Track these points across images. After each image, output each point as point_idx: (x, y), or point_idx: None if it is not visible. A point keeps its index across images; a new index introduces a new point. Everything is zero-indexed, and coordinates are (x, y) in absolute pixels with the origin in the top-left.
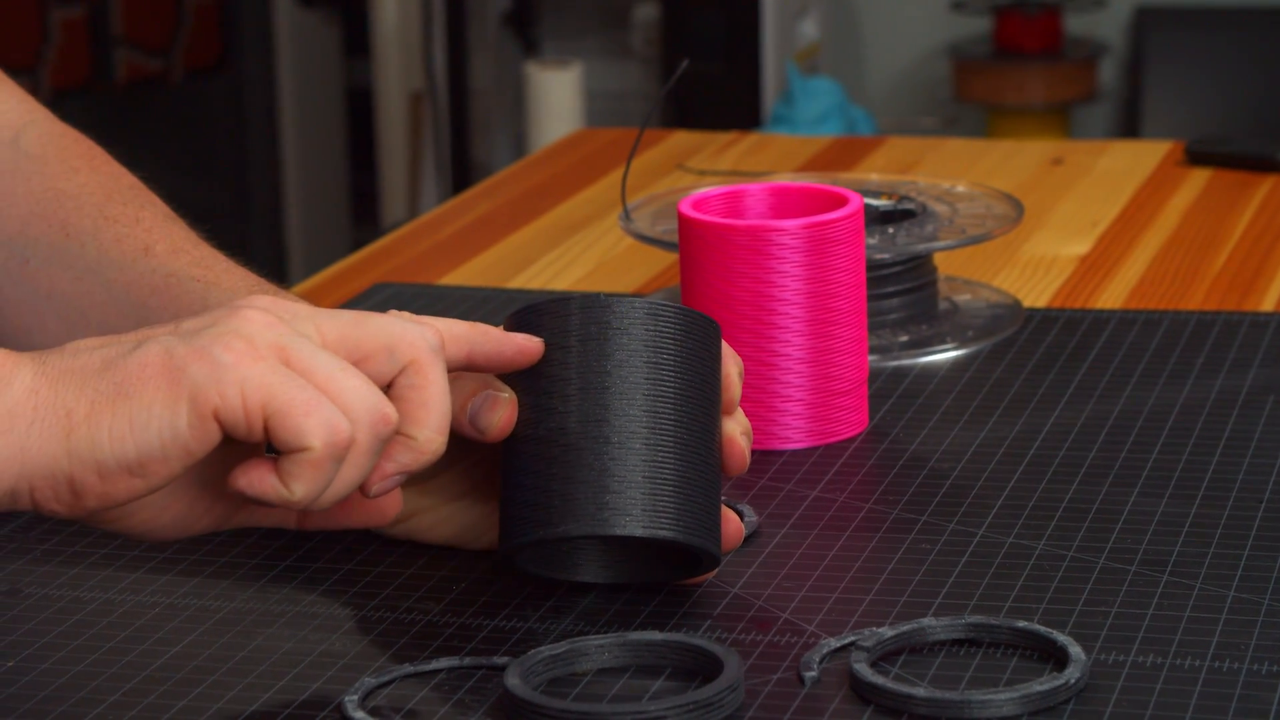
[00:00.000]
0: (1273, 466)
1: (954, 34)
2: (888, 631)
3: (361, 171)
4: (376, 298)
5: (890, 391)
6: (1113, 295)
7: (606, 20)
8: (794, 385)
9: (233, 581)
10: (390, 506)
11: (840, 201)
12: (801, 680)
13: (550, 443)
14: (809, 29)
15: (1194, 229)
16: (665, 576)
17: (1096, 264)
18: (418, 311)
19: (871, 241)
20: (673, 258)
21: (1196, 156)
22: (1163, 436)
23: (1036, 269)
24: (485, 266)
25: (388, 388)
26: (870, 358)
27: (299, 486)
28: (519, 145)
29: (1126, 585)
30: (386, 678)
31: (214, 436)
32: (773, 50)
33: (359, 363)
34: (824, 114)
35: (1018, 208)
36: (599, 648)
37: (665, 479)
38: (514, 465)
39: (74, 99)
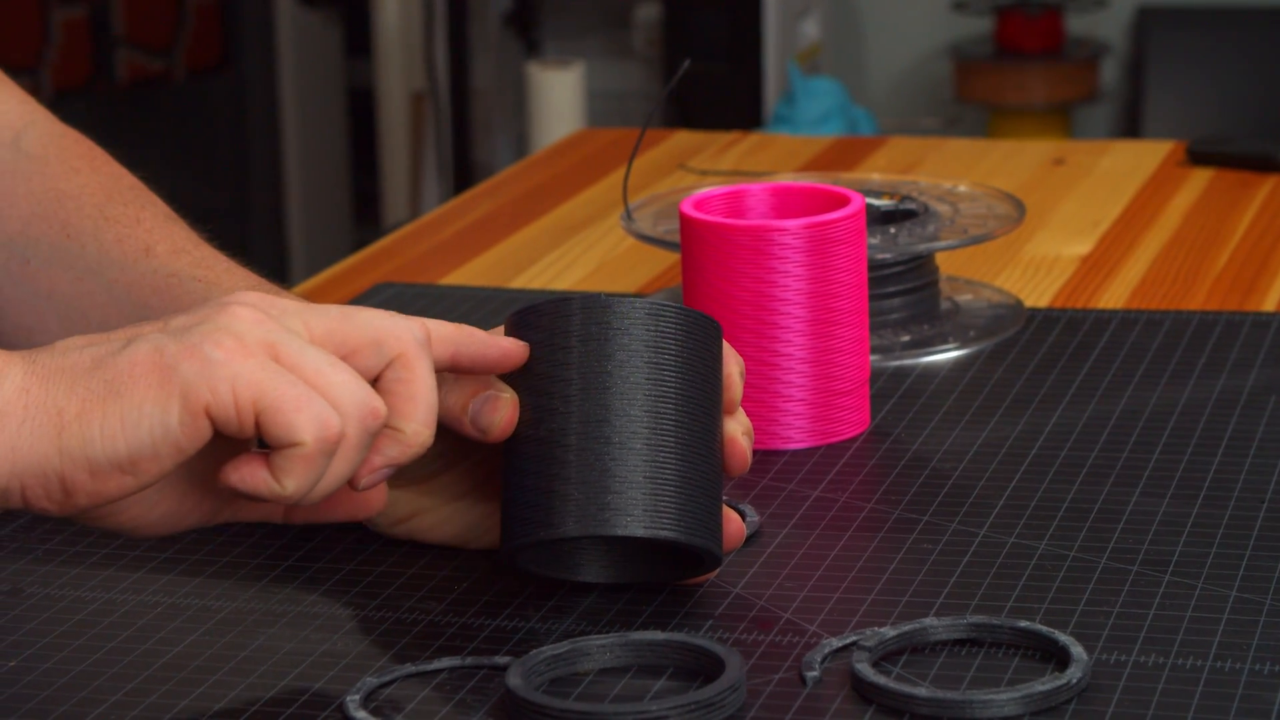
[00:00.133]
0: (1274, 466)
1: (955, 34)
2: (889, 631)
3: (363, 172)
4: (378, 298)
5: (892, 391)
6: (1114, 295)
7: (608, 20)
8: (796, 385)
9: (234, 581)
10: (376, 499)
11: (842, 201)
12: (803, 680)
13: (551, 443)
14: (810, 29)
15: (1195, 229)
16: (667, 576)
17: (1098, 264)
18: (418, 312)
19: (873, 241)
20: (674, 258)
21: (1198, 156)
22: (1164, 436)
23: (1038, 269)
24: (487, 267)
25: (375, 382)
26: (872, 358)
27: (290, 481)
28: (520, 145)
29: (1128, 585)
30: (388, 677)
31: (205, 433)
32: (774, 50)
33: (346, 357)
34: (825, 114)
35: (1019, 208)
36: (601, 648)
37: (666, 479)
38: (515, 465)
39: (75, 99)
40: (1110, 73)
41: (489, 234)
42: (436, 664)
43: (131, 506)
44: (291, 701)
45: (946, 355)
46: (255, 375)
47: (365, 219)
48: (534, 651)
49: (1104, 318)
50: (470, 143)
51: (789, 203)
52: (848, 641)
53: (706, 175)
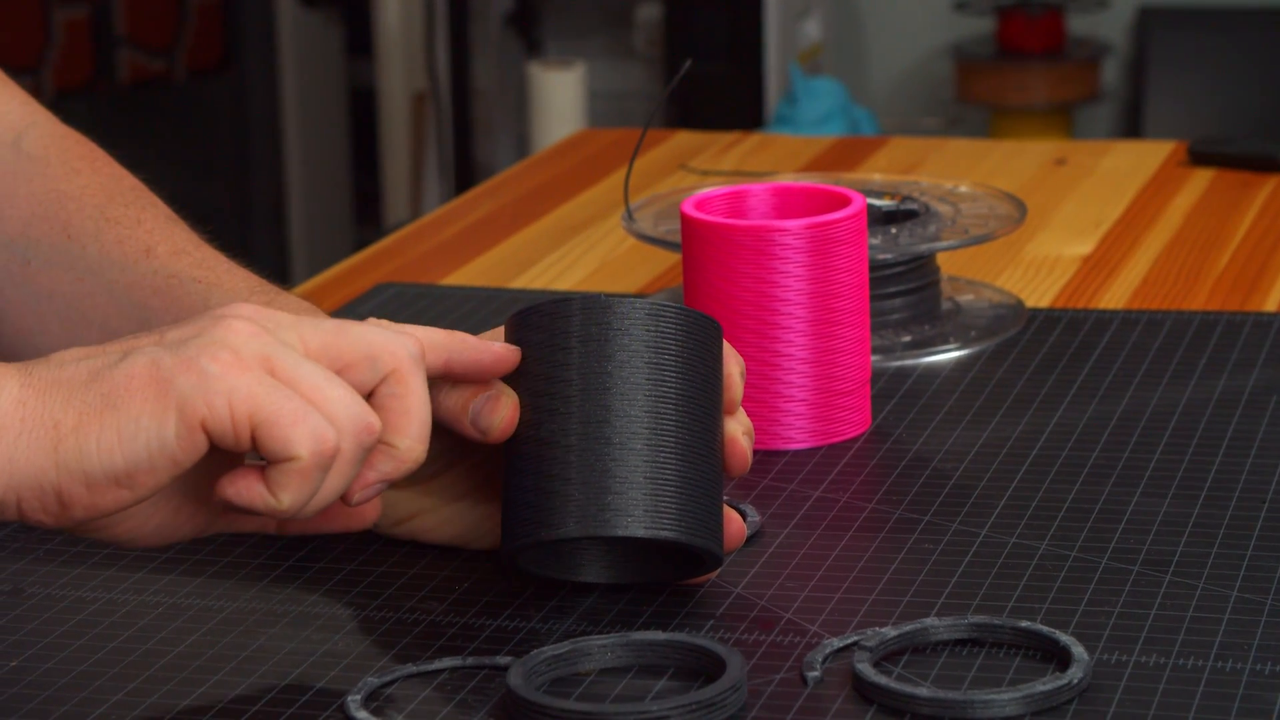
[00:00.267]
0: (1275, 466)
1: (957, 34)
2: (890, 631)
3: (364, 172)
4: (379, 298)
5: (893, 392)
6: (1116, 295)
7: (609, 20)
8: (797, 385)
9: (236, 581)
10: (370, 512)
11: (843, 202)
12: (804, 680)
13: (552, 444)
14: (811, 29)
15: (1197, 229)
16: (668, 577)
17: (1099, 264)
18: (420, 312)
19: (874, 242)
20: (675, 258)
21: (1199, 157)
22: (1165, 437)
23: (1039, 269)
24: (488, 267)
25: (368, 397)
26: (873, 358)
27: (286, 496)
28: (521, 145)
29: (1129, 585)
30: (389, 677)
31: (201, 447)
32: (775, 50)
33: (341, 372)
34: (827, 114)
35: (1020, 208)
36: (602, 648)
37: (667, 479)
38: (516, 466)
39: (77, 99)
40: (1111, 73)
41: (490, 234)
42: (437, 664)
43: (127, 519)
44: (293, 701)
45: (947, 355)
46: (251, 389)
47: (366, 219)
48: (535, 651)
49: (1105, 318)
50: (471, 143)
51: (790, 203)
52: (849, 641)
53: (708, 175)
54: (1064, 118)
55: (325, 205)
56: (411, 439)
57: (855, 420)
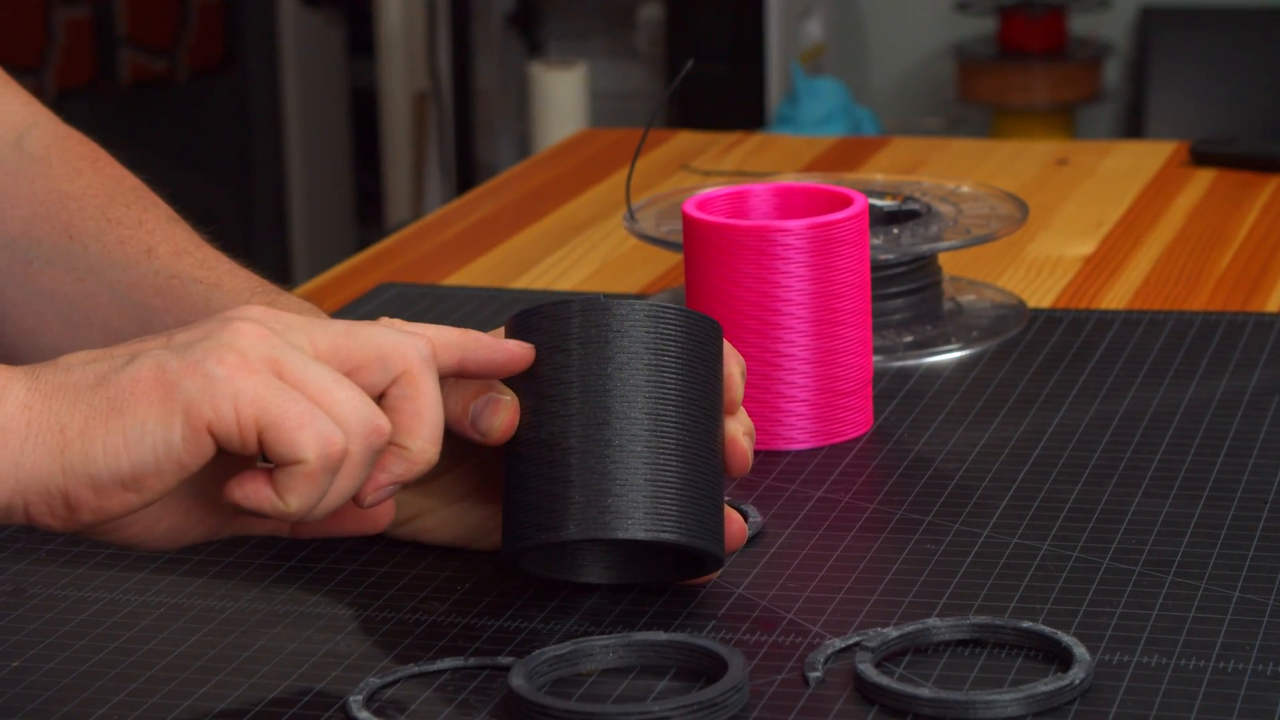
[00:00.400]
0: (1277, 467)
1: (958, 34)
2: (892, 632)
3: (366, 172)
4: (381, 298)
5: (894, 392)
6: (1117, 296)
7: (611, 21)
8: (798, 386)
9: (237, 582)
10: (383, 515)
11: (845, 202)
12: (806, 681)
13: (552, 446)
14: (813, 29)
15: (1199, 229)
16: (669, 577)
17: (1101, 264)
18: (422, 312)
19: (876, 242)
20: (677, 258)
21: (1201, 157)
22: (1167, 437)
23: (1041, 269)
24: (490, 267)
25: (380, 398)
26: (875, 358)
27: (294, 499)
28: (523, 146)
29: (1131, 586)
30: (391, 678)
31: (208, 450)
32: (777, 51)
33: (351, 373)
34: (828, 114)
35: (1022, 208)
36: (603, 648)
37: (667, 481)
38: (516, 468)
39: (78, 99)
40: (1113, 73)
41: (492, 234)
42: (439, 664)
43: (136, 522)
44: (294, 702)
45: (949, 356)
46: (258, 392)
47: (368, 219)
48: (537, 652)
49: (1107, 318)
50: (473, 143)
51: (792, 203)
52: (850, 642)
53: (709, 176)
54: (1066, 118)
55: (327, 205)
56: (423, 440)
57: (857, 421)
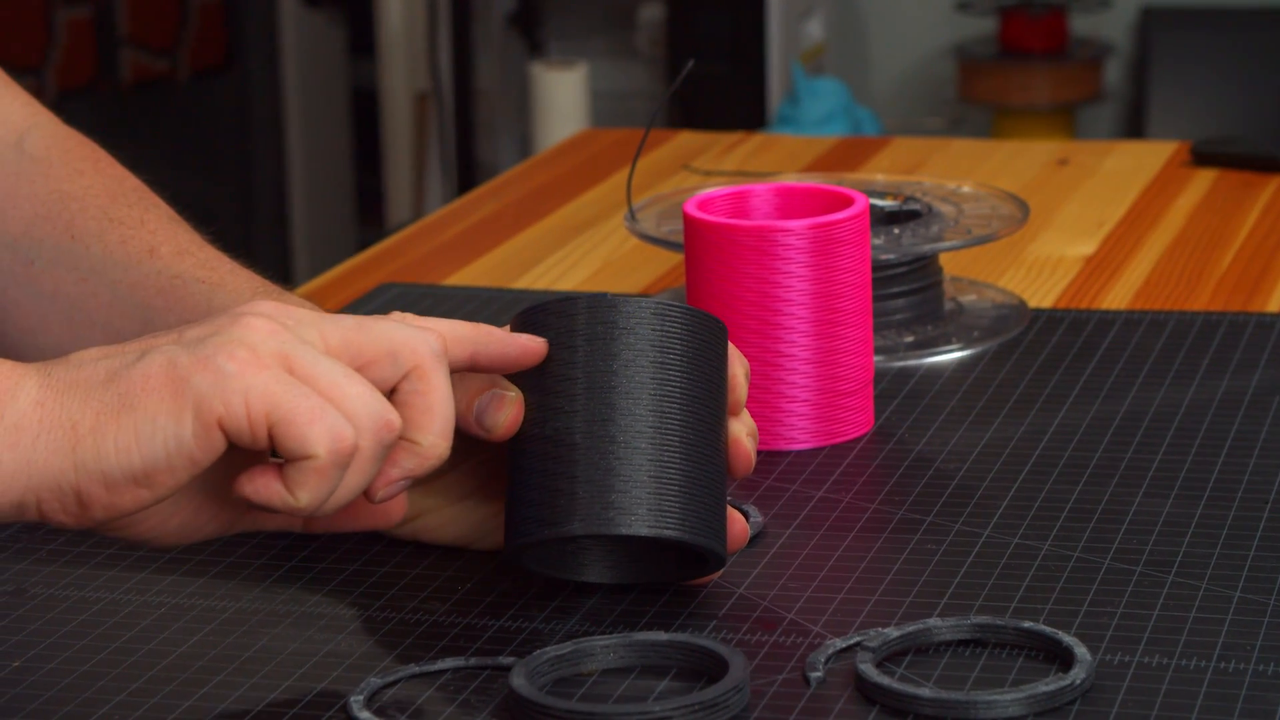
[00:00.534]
0: (1278, 467)
1: (959, 34)
2: (893, 632)
3: (367, 172)
4: (382, 298)
5: (895, 392)
6: (1118, 296)
7: (612, 21)
8: (799, 386)
9: (238, 582)
10: (395, 510)
11: (846, 202)
12: (807, 681)
13: (556, 442)
14: (814, 29)
15: (1200, 229)
16: (671, 577)
17: (1102, 264)
18: (423, 312)
19: (877, 242)
20: (678, 258)
21: (1202, 157)
22: (1168, 437)
23: (1042, 269)
24: (490, 267)
25: (391, 393)
26: (875, 358)
27: (304, 494)
28: (524, 146)
29: (1132, 586)
30: (392, 678)
31: (219, 446)
32: (778, 51)
33: (362, 368)
34: (829, 114)
35: (1023, 208)
36: (604, 648)
37: (671, 479)
38: (520, 464)
39: (79, 99)
40: (1114, 73)
41: (493, 234)
42: (440, 664)
43: (148, 518)
44: (295, 702)
45: (950, 356)
46: (268, 387)
47: (369, 219)
48: (538, 652)
49: (1108, 318)
50: (474, 143)
51: (793, 203)
52: (851, 642)
53: (710, 176)
54: (1066, 118)
55: (328, 205)
56: (434, 435)
57: (858, 421)
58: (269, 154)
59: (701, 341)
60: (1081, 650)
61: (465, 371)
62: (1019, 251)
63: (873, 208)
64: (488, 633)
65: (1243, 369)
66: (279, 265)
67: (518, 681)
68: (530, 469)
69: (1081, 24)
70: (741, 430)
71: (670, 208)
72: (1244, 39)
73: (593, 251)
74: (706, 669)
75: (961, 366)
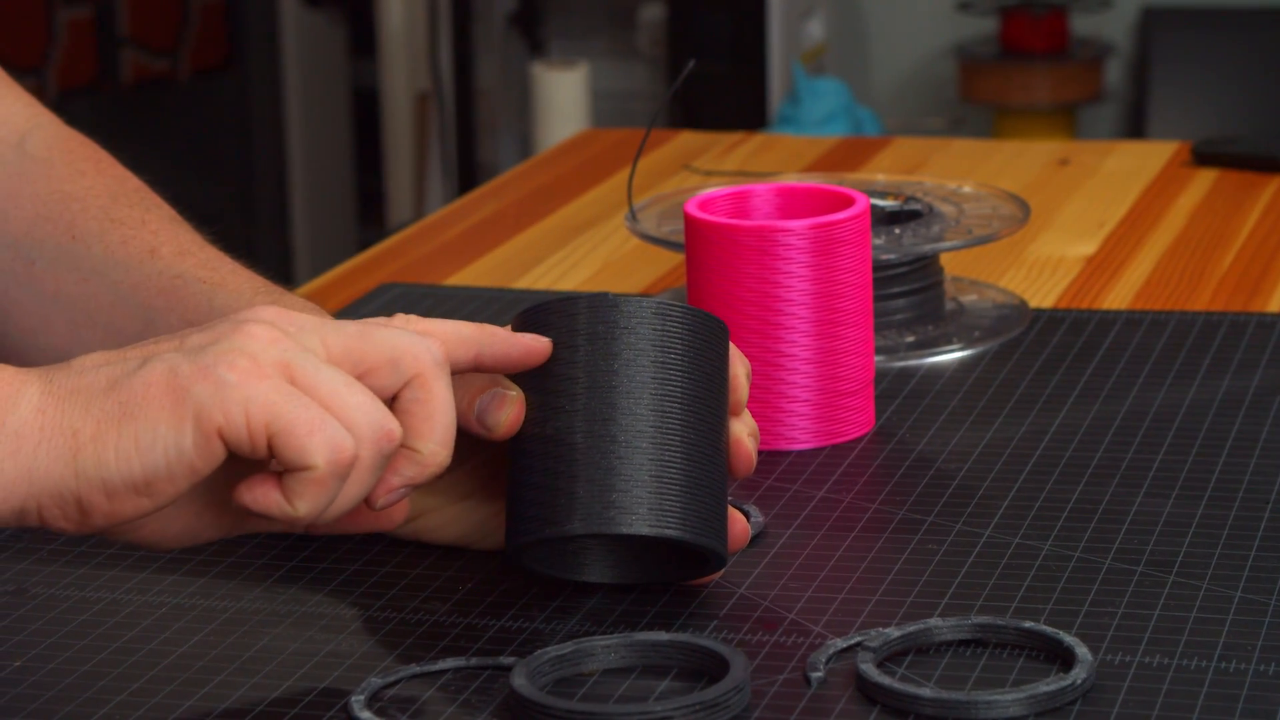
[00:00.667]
0: (1279, 467)
1: (960, 34)
2: (894, 632)
3: (367, 172)
4: (382, 298)
5: (896, 392)
6: (1119, 296)
7: (613, 20)
8: (800, 386)
9: (239, 581)
10: (397, 513)
11: (846, 202)
12: (807, 681)
13: (557, 441)
14: (815, 29)
15: (1201, 229)
16: (671, 577)
17: (1103, 264)
18: (424, 313)
19: (878, 242)
20: (679, 258)
21: (1203, 157)
22: (1169, 437)
23: (1043, 269)
24: (491, 267)
25: (392, 400)
26: (876, 358)
27: (303, 504)
28: (525, 146)
29: (1133, 586)
30: (393, 678)
31: (219, 455)
32: (779, 51)
33: (363, 376)
34: (830, 114)
35: (1024, 208)
36: (605, 648)
37: (672, 478)
38: (521, 464)
39: (80, 99)
40: (1115, 73)
41: (494, 234)
42: (441, 664)
43: (149, 523)
44: (296, 702)
45: (951, 356)
46: (268, 398)
47: (370, 219)
48: (539, 652)
49: (1109, 318)
50: (475, 143)
51: (794, 203)
52: (852, 642)
53: (711, 176)
54: (1067, 118)
55: (328, 205)
56: (435, 443)
57: (859, 421)
58: (270, 154)
59: (703, 341)
60: (1082, 650)
61: (468, 372)
62: (1020, 251)
63: (874, 208)
64: (489, 633)
65: (1244, 369)
66: (280, 265)
67: (519, 681)
68: (531, 468)
69: (1082, 24)
70: (743, 430)
71: (671, 208)
72: (1245, 39)
73: (593, 252)
74: (707, 669)
75: (962, 367)
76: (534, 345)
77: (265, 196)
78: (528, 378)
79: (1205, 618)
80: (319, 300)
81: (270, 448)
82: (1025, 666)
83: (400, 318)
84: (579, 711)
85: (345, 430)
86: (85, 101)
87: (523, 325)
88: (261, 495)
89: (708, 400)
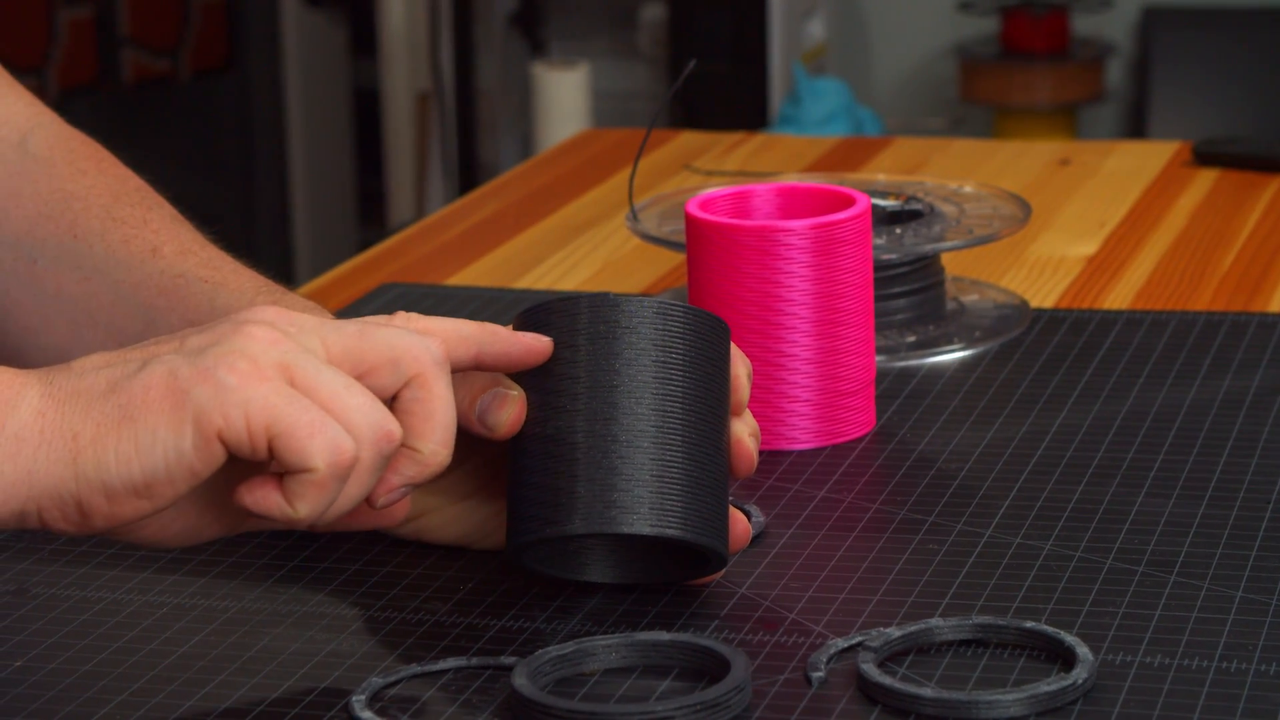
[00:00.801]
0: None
1: (961, 34)
2: (895, 632)
3: (368, 172)
4: (383, 298)
5: (897, 392)
6: (1120, 296)
7: (613, 20)
8: (801, 386)
9: (240, 581)
10: (398, 511)
11: (847, 202)
12: (808, 681)
13: (558, 441)
14: (816, 29)
15: (1201, 229)
16: (672, 577)
17: (1104, 264)
18: (425, 312)
19: (879, 242)
20: (680, 258)
21: (1204, 157)
22: (1170, 437)
23: (1044, 269)
24: (492, 267)
25: (392, 400)
26: (877, 358)
27: (303, 505)
28: (526, 145)
29: (1134, 586)
30: (394, 678)
31: (219, 457)
32: (780, 51)
33: (363, 376)
34: (831, 114)
35: (1025, 208)
36: (606, 648)
37: (673, 478)
38: (522, 463)
39: (81, 99)
40: (1116, 73)
41: (494, 234)
42: (442, 664)
43: (150, 524)
44: (297, 702)
45: (952, 356)
46: (268, 400)
47: (370, 219)
48: (539, 652)
49: (1109, 318)
50: (476, 143)
51: (794, 203)
52: (853, 642)
53: (712, 176)
54: (1068, 118)
55: (329, 205)
56: (435, 443)
57: (860, 421)
58: (270, 154)
59: (704, 341)
60: (1083, 650)
61: (469, 370)
62: (1020, 251)
63: (874, 208)
64: (489, 632)
65: (1244, 369)
66: (280, 265)
67: (520, 681)
68: (531, 468)
69: (1083, 24)
70: (744, 431)
71: (672, 208)
72: (1245, 39)
73: (594, 251)
74: (708, 669)
75: (963, 366)
76: (535, 344)
77: (266, 196)
78: (529, 377)
79: (1206, 618)
80: (320, 300)
81: (270, 450)
82: (1026, 666)
83: (401, 316)
84: (580, 711)
85: (345, 432)
86: (86, 101)
87: (524, 325)
88: (262, 497)
89: (709, 400)
